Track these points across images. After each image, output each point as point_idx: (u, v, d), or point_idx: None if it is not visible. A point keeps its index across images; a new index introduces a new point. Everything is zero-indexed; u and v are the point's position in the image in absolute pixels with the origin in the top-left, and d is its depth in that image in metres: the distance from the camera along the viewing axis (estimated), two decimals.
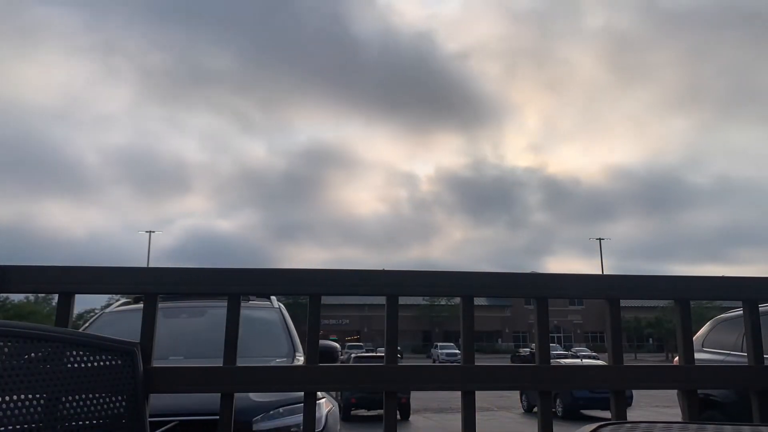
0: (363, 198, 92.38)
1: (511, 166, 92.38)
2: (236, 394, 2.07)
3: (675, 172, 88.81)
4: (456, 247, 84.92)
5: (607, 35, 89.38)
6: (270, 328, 4.41)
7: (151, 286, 2.12)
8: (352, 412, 16.28)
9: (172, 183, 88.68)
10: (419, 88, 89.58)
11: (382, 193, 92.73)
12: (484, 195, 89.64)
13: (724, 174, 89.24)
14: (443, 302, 59.15)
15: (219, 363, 2.10)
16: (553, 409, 6.08)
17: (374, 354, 26.15)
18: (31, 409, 1.57)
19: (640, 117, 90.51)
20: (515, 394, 19.95)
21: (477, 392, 2.17)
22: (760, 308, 2.33)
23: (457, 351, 43.21)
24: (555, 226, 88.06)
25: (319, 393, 2.52)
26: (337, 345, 4.59)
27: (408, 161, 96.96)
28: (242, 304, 2.18)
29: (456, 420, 14.61)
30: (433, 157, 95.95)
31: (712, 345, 6.22)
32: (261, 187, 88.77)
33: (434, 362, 45.84)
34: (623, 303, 2.38)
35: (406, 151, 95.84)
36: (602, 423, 1.35)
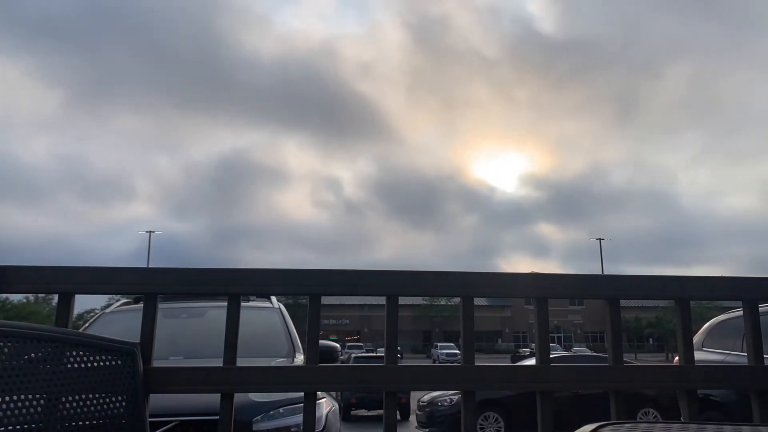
0: (293, 203, 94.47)
1: (427, 173, 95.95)
2: (236, 394, 2.07)
3: (581, 179, 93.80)
4: (394, 249, 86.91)
5: (501, 59, 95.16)
6: (270, 328, 4.41)
7: (151, 286, 2.12)
8: (352, 412, 16.28)
9: (100, 191, 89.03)
10: (331, 103, 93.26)
11: (312, 199, 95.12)
12: (408, 201, 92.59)
13: (629, 180, 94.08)
14: (443, 302, 59.11)
15: (219, 363, 2.10)
16: None
17: (374, 354, 26.16)
18: (31, 409, 1.57)
19: (541, 131, 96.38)
20: None
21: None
22: (760, 308, 2.33)
23: (457, 351, 43.20)
24: (483, 230, 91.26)
25: (319, 393, 2.52)
26: (337, 345, 4.59)
27: (330, 169, 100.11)
28: (242, 304, 2.18)
29: None
30: (354, 166, 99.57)
31: (711, 346, 6.22)
32: (190, 195, 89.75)
33: (434, 362, 45.82)
34: (623, 303, 2.38)
35: (326, 160, 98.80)
36: (602, 423, 1.35)
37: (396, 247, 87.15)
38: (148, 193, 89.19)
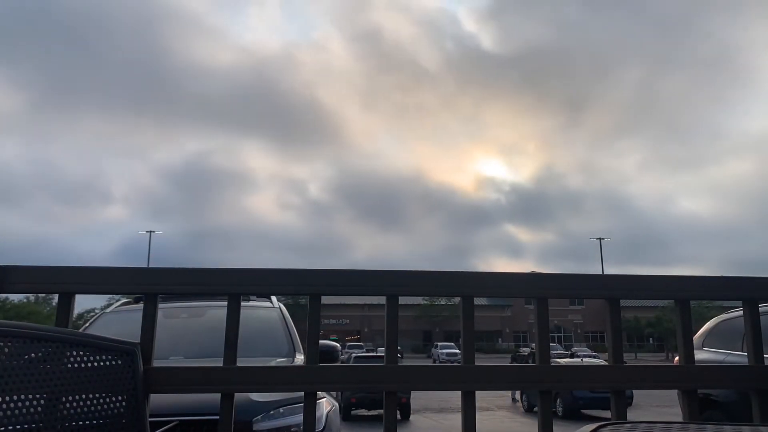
0: (258, 206, 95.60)
1: (387, 177, 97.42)
2: (236, 394, 2.07)
3: (539, 182, 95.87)
4: (365, 251, 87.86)
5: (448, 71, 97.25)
6: (270, 328, 4.41)
7: (151, 286, 2.12)
8: (352, 412, 16.30)
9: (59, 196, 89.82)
10: (289, 110, 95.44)
11: (278, 203, 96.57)
12: (371, 204, 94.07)
13: (585, 183, 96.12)
14: (443, 302, 59.09)
15: (219, 363, 2.10)
16: (553, 409, 6.06)
17: (374, 354, 26.15)
18: (31, 409, 1.57)
19: (497, 136, 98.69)
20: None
21: (477, 392, 2.17)
22: (760, 308, 2.33)
23: (457, 351, 43.18)
24: (448, 232, 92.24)
25: (319, 393, 2.52)
26: (337, 345, 4.59)
27: (292, 173, 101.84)
28: (242, 303, 2.18)
29: (456, 420, 14.61)
30: (315, 170, 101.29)
31: (711, 346, 6.23)
32: (154, 199, 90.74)
33: (434, 362, 45.82)
34: (623, 303, 2.38)
35: (288, 164, 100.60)
36: (602, 423, 1.35)
37: (366, 249, 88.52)
38: (116, 196, 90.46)
